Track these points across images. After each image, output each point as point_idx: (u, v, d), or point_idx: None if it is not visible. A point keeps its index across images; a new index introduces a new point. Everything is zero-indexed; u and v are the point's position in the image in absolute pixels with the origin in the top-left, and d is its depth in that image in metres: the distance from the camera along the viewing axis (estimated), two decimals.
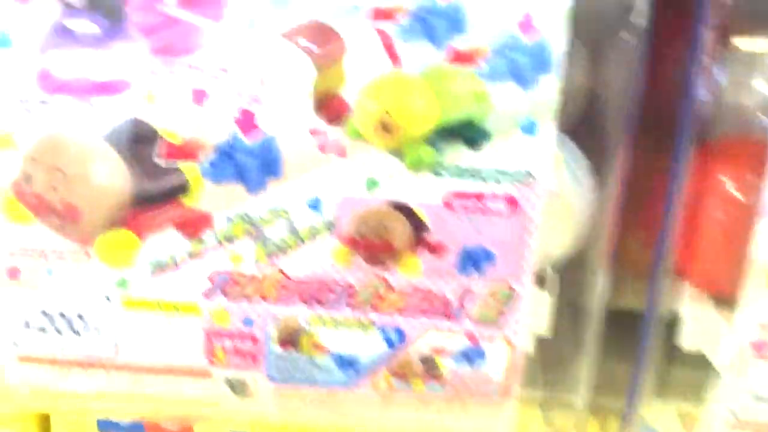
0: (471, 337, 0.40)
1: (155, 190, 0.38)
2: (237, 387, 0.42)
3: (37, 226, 0.38)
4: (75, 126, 0.37)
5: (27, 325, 0.41)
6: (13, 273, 0.39)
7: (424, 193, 0.38)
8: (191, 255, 0.39)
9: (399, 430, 0.44)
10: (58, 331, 0.41)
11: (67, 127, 0.37)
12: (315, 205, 0.38)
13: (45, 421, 0.57)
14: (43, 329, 0.41)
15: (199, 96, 0.37)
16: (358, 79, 0.36)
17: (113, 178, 0.38)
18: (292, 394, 0.42)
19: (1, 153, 0.37)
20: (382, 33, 0.36)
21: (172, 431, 0.56)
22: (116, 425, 0.57)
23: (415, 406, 0.42)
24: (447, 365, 0.41)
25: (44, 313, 0.40)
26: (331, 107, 0.37)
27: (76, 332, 0.41)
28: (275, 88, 0.37)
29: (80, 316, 0.40)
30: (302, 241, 0.39)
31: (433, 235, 0.38)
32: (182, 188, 0.38)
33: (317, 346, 0.41)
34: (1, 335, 0.41)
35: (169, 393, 0.43)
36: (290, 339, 0.41)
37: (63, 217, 0.38)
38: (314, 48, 0.36)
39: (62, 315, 0.40)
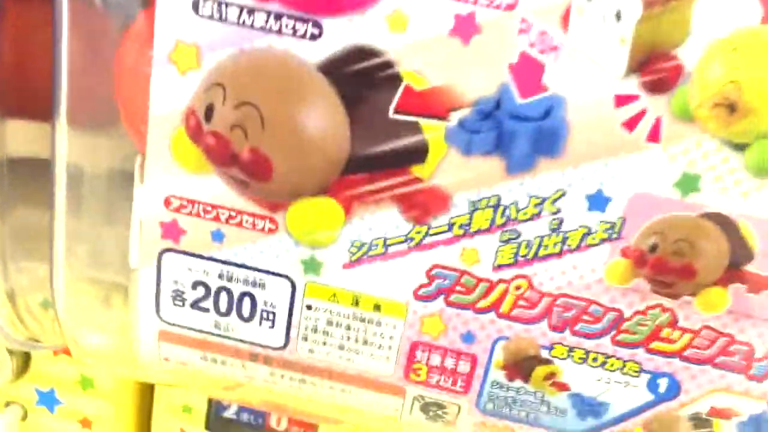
0: None
1: (380, 152, 0.27)
2: (431, 411, 0.33)
3: (213, 178, 0.29)
4: (283, 48, 0.27)
5: (178, 296, 0.31)
6: (171, 231, 0.30)
7: (763, 207, 0.27)
8: (411, 243, 0.29)
9: None
10: (218, 310, 0.31)
11: (273, 48, 0.27)
12: (598, 201, 0.27)
13: (146, 395, 0.49)
14: (198, 304, 0.31)
15: (467, 28, 0.26)
16: (706, 33, 0.25)
17: (326, 125, 0.27)
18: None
19: (180, 73, 0.27)
20: None
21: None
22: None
23: None
24: None
25: (203, 284, 0.31)
26: (656, 68, 0.25)
27: (241, 314, 0.31)
28: (576, 29, 0.25)
29: (249, 296, 0.31)
30: (568, 245, 0.28)
31: (757, 264, 0.27)
32: (417, 154, 0.27)
33: (555, 383, 0.30)
34: (143, 303, 0.32)
35: (344, 403, 0.33)
36: (520, 367, 0.30)
37: (249, 170, 0.28)
38: None
39: (226, 291, 0.31)
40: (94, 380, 0.50)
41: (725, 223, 0.27)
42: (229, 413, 0.49)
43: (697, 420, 0.30)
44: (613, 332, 0.29)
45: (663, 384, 0.30)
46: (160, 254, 0.30)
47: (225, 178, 0.28)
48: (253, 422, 0.50)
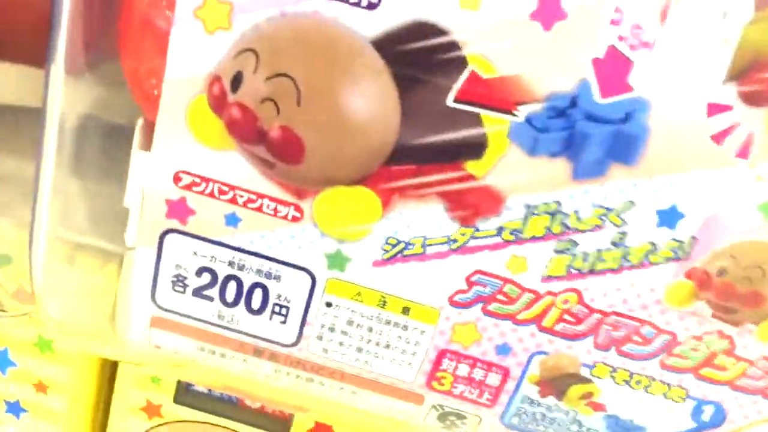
0: None
1: (432, 142, 0.24)
2: (449, 421, 0.30)
3: (233, 155, 0.25)
4: (333, 15, 0.23)
5: (179, 282, 0.28)
6: (178, 210, 0.26)
7: None
8: (453, 245, 0.26)
9: None
10: (224, 300, 0.28)
11: (320, 14, 0.23)
12: (669, 217, 0.24)
13: (110, 362, 0.46)
14: (201, 292, 0.28)
15: (551, 11, 0.22)
16: None
17: (373, 108, 0.24)
18: None
19: (208, 32, 0.23)
20: None
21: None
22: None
23: None
24: None
25: (210, 271, 0.27)
26: (758, 77, 0.22)
27: (249, 306, 0.28)
28: (675, 26, 0.22)
29: (262, 287, 0.27)
30: (629, 261, 0.25)
31: None
32: (474, 148, 0.24)
33: (591, 403, 0.28)
34: (136, 285, 0.28)
35: (356, 406, 0.30)
36: (555, 384, 0.28)
37: (277, 150, 0.24)
38: None
39: (236, 280, 0.27)
40: (53, 343, 0.46)
41: None
42: (201, 386, 0.46)
43: None
44: (664, 355, 0.27)
45: (708, 412, 0.27)
46: (163, 234, 0.27)
47: (248, 157, 0.25)
48: (225, 397, 0.47)
